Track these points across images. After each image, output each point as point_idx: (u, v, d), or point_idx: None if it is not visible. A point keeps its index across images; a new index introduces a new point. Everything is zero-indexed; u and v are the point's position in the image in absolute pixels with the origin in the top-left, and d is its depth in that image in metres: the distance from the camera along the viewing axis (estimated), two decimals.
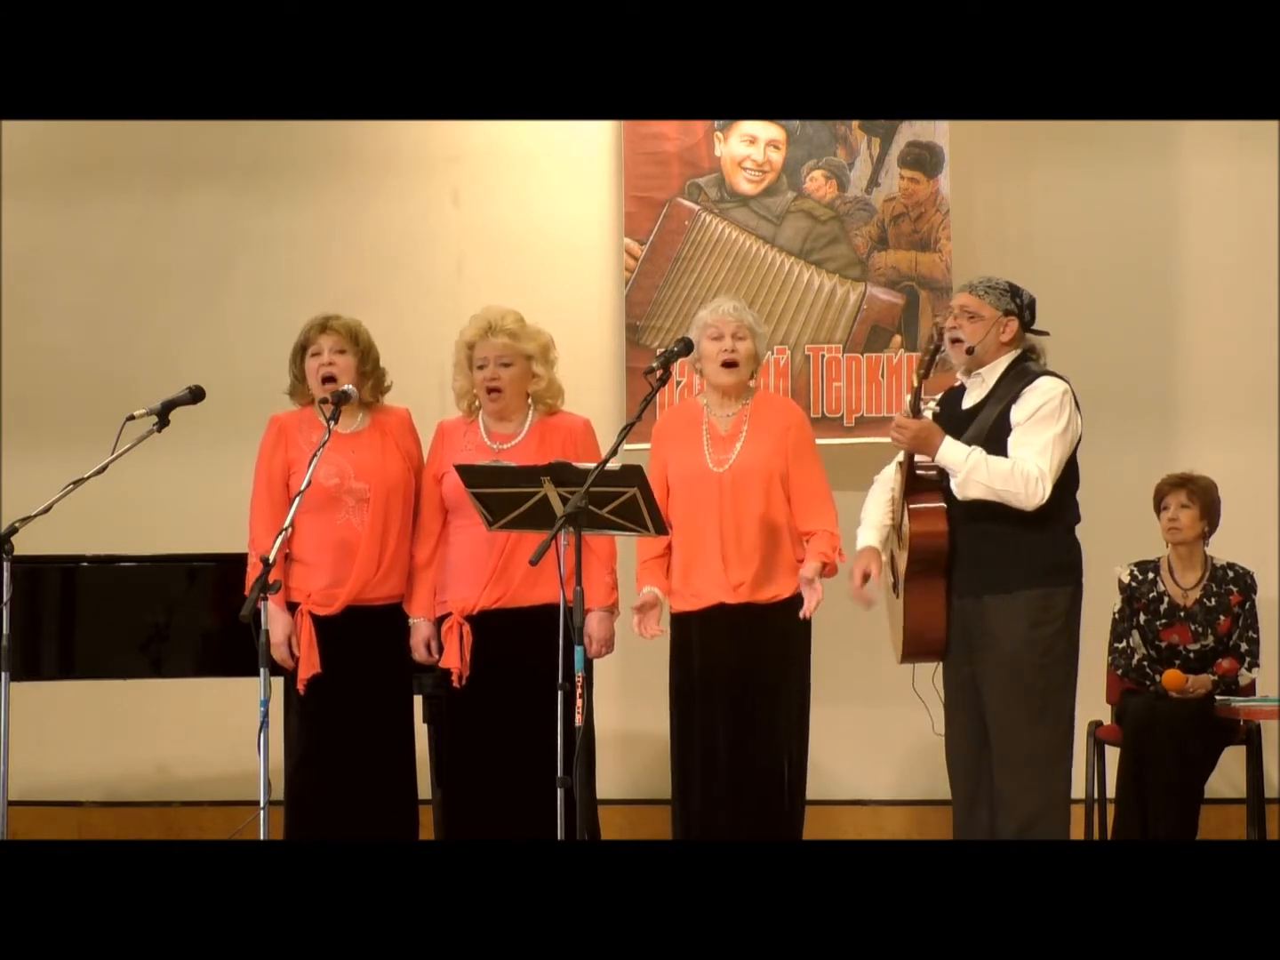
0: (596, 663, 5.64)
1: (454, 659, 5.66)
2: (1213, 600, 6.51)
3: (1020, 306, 5.44)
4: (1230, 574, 6.54)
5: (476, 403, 5.82)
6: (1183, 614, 6.51)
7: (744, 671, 5.59)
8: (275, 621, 5.63)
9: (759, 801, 5.57)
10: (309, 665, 5.65)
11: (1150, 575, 6.55)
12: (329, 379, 5.74)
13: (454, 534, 5.76)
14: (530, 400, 5.80)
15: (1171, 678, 6.37)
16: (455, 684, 5.66)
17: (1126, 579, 6.54)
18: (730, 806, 5.57)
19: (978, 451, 5.31)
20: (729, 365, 5.69)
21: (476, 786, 5.64)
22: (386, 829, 5.65)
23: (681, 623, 5.71)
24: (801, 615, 5.58)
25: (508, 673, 5.61)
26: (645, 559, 5.75)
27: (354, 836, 5.50)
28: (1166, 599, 6.51)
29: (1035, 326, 5.48)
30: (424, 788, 5.89)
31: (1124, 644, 6.53)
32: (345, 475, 5.72)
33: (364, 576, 5.72)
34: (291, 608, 5.70)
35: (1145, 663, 6.49)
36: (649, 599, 5.70)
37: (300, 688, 5.66)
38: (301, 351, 5.83)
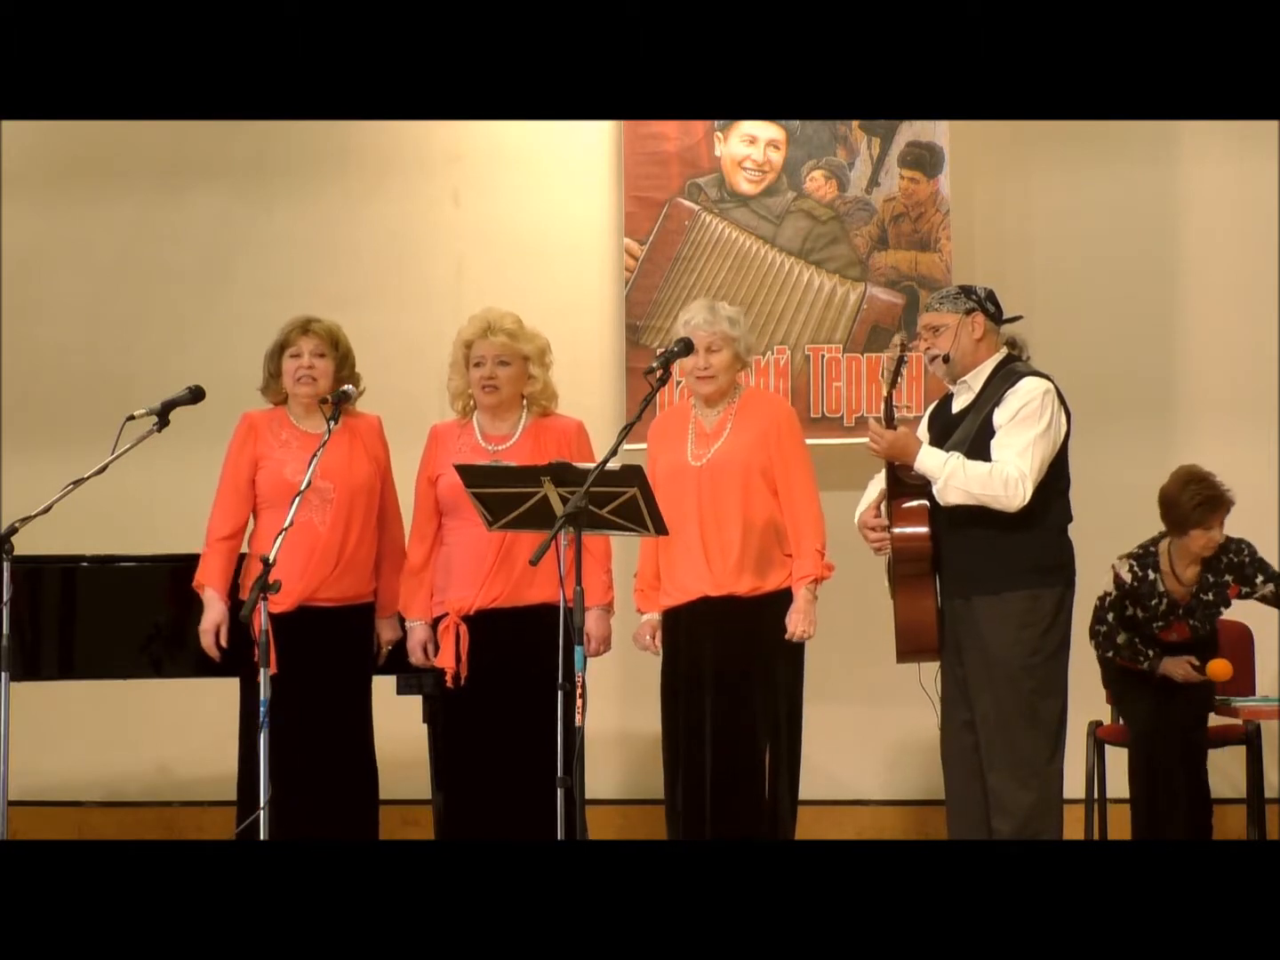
0: (594, 662, 5.63)
1: (449, 659, 5.66)
2: (1210, 594, 6.49)
3: (979, 301, 5.47)
4: (1224, 561, 6.49)
5: (471, 403, 5.82)
6: (1181, 611, 6.50)
7: (726, 665, 5.57)
8: (211, 608, 5.67)
9: (738, 798, 5.54)
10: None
11: (1150, 574, 6.50)
12: (305, 381, 5.75)
13: (450, 534, 5.75)
14: (525, 402, 5.80)
15: (1219, 668, 6.35)
16: (450, 684, 5.66)
17: (1127, 577, 6.49)
18: (711, 803, 5.54)
19: (955, 457, 5.33)
20: (704, 379, 5.69)
21: (475, 787, 5.64)
22: (342, 830, 5.59)
23: (669, 618, 5.71)
24: (787, 637, 5.56)
25: (505, 672, 5.60)
26: (643, 586, 5.75)
27: (309, 836, 5.46)
28: (1165, 599, 6.49)
29: (1007, 315, 5.50)
30: (424, 789, 5.88)
31: (1104, 627, 6.47)
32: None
33: (320, 574, 5.71)
34: None
35: (1137, 640, 6.47)
36: (650, 627, 5.73)
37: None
38: (280, 350, 5.84)
